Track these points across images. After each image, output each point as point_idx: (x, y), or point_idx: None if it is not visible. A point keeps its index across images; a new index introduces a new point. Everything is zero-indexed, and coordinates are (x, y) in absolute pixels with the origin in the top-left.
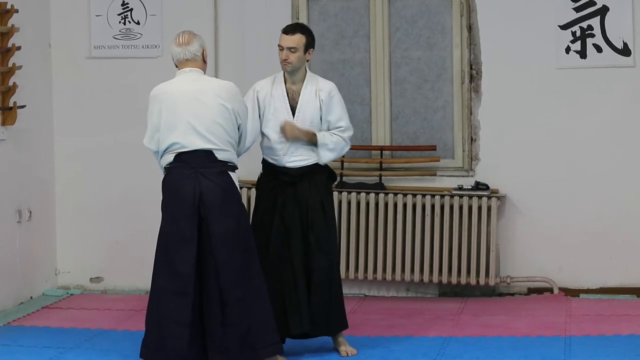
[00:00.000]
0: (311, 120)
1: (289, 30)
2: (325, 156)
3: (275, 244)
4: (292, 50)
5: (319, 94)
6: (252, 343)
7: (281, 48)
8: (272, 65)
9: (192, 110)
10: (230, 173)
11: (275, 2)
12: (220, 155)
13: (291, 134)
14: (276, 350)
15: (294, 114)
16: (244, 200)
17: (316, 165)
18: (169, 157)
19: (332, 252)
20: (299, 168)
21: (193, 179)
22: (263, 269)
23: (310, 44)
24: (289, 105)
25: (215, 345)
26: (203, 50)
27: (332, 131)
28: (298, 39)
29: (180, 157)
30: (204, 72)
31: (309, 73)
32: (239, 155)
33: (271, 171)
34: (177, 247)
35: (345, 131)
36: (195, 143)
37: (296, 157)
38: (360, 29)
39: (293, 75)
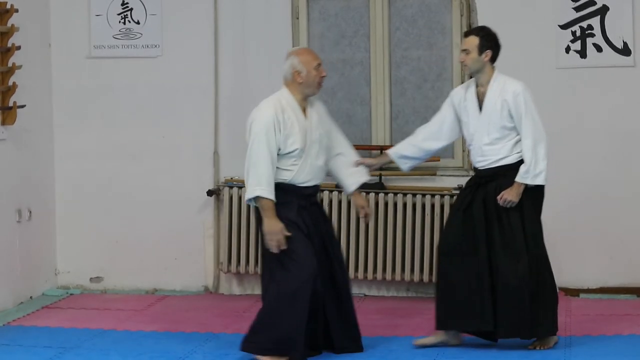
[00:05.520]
0: (496, 120)
1: (465, 33)
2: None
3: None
4: (466, 52)
5: (503, 95)
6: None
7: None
8: (272, 65)
9: None
10: None
11: (275, 2)
12: None
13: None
14: None
15: None
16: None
17: (506, 166)
18: None
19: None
20: (487, 169)
21: None
22: None
23: (485, 45)
24: (477, 106)
25: None
26: (293, 70)
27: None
28: (470, 41)
29: None
30: (300, 92)
31: (496, 74)
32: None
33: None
34: None
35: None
36: None
37: (480, 158)
38: (360, 28)
39: (477, 78)
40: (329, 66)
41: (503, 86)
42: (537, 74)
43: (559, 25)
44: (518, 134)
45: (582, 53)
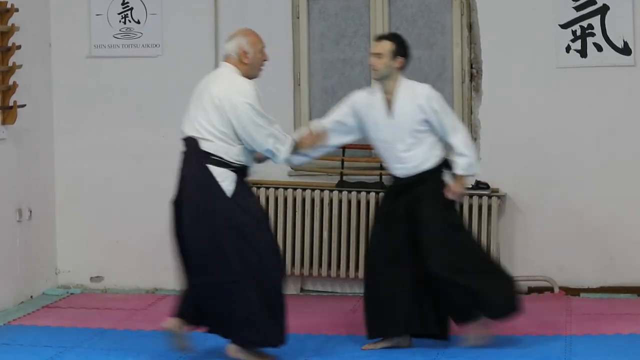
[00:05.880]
0: (408, 126)
1: (378, 37)
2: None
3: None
4: (378, 56)
5: (415, 100)
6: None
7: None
8: (272, 66)
9: (196, 100)
10: (211, 166)
11: (275, 1)
12: (203, 145)
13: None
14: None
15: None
16: None
17: (427, 172)
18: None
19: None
20: (408, 177)
21: (183, 165)
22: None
23: (399, 51)
24: (386, 114)
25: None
26: (240, 50)
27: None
28: (383, 45)
29: (184, 141)
30: (244, 73)
31: (402, 80)
32: (274, 158)
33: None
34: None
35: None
36: (186, 129)
37: (399, 165)
38: (360, 28)
39: (384, 84)
40: (328, 65)
41: (412, 91)
42: (537, 73)
43: (559, 25)
44: (433, 136)
45: (583, 52)
